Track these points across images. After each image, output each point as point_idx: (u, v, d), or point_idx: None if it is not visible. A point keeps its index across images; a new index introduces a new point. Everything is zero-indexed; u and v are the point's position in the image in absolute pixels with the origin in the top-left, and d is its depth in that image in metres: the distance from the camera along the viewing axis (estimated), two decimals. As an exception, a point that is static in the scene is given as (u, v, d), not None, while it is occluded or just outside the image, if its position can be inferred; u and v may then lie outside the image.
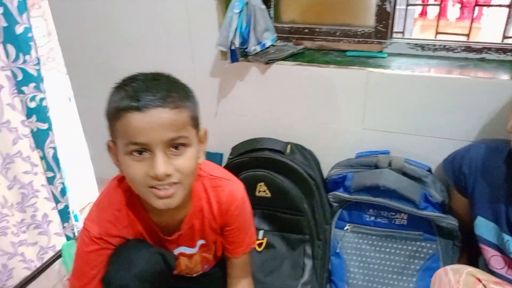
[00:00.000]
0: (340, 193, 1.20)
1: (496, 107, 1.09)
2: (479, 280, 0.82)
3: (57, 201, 1.62)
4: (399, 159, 1.15)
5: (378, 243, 1.18)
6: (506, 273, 1.01)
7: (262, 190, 1.25)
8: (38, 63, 1.44)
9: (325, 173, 1.30)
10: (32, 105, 1.47)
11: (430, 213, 1.10)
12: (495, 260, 1.02)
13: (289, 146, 1.27)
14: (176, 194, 0.80)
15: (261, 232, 1.30)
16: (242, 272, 1.07)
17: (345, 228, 1.22)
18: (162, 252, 0.93)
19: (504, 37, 1.26)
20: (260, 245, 1.30)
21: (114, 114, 0.77)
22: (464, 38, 1.30)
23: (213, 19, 1.24)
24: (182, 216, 0.93)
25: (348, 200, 1.19)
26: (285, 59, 1.25)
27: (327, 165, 1.29)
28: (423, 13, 3.41)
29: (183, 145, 0.79)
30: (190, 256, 1.02)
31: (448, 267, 0.89)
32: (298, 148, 1.29)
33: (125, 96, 0.75)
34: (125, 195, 0.90)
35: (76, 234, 1.71)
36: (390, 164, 1.16)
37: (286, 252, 1.29)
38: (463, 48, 1.23)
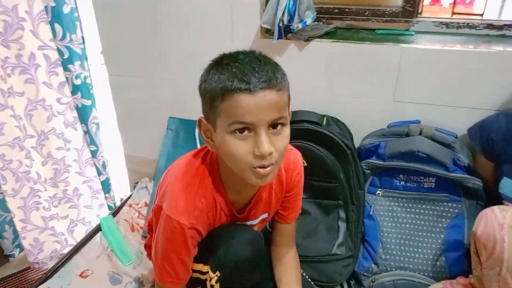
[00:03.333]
0: (373, 161, 1.30)
1: (518, 79, 1.20)
2: None
3: (99, 173, 1.70)
4: (429, 127, 1.26)
5: (408, 205, 1.29)
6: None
7: (300, 160, 1.35)
8: (83, 42, 1.49)
9: (357, 144, 1.40)
10: (77, 82, 1.53)
11: (459, 175, 1.21)
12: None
13: (325, 118, 1.36)
14: (272, 172, 0.82)
15: (296, 200, 1.40)
16: (290, 240, 1.14)
17: (377, 193, 1.32)
18: (259, 234, 1.01)
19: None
20: (295, 211, 1.39)
21: (219, 94, 0.78)
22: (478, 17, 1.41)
23: (255, -1, 1.31)
24: (255, 191, 0.97)
25: (381, 166, 1.29)
26: (321, 36, 1.34)
27: (359, 136, 1.39)
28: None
29: (282, 124, 0.81)
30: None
31: (495, 207, 1.01)
32: (334, 120, 1.39)
33: (231, 76, 0.76)
34: (208, 180, 0.91)
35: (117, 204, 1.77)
36: (421, 133, 1.26)
37: (320, 217, 1.39)
38: (485, 25, 1.34)
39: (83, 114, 1.63)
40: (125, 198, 1.74)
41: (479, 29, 1.35)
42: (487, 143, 1.18)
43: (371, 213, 1.31)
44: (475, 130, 1.23)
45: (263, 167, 0.80)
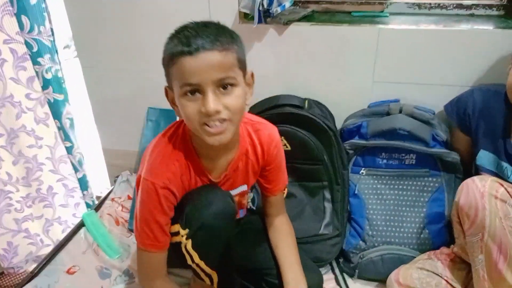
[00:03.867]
0: (356, 141, 1.33)
1: (490, 55, 1.26)
2: (501, 185, 1.00)
3: (76, 170, 1.65)
4: (408, 105, 1.30)
5: (391, 181, 1.33)
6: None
7: (283, 144, 1.36)
8: (52, 34, 1.44)
9: (338, 125, 1.42)
10: (48, 76, 1.47)
11: (438, 150, 1.26)
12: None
13: (306, 101, 1.38)
14: (226, 130, 0.87)
15: (281, 184, 1.42)
16: (280, 209, 1.19)
17: (361, 172, 1.36)
18: (229, 193, 1.02)
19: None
20: (281, 195, 1.41)
21: (169, 60, 0.86)
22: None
23: (232, -17, 1.30)
24: (230, 159, 1.02)
25: (364, 146, 1.32)
26: (299, 20, 1.35)
27: (341, 118, 1.42)
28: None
29: (231, 85, 0.86)
30: None
31: (475, 177, 1.06)
32: (315, 103, 1.41)
33: (178, 43, 0.84)
34: (180, 146, 0.97)
35: (96, 202, 1.73)
36: (400, 111, 1.30)
37: (306, 199, 1.41)
38: (455, 5, 1.39)
39: (56, 109, 1.57)
40: (103, 194, 1.71)
41: (449, 9, 1.40)
42: (463, 118, 1.24)
43: (356, 192, 1.35)
44: (451, 106, 1.28)
45: (214, 125, 0.85)
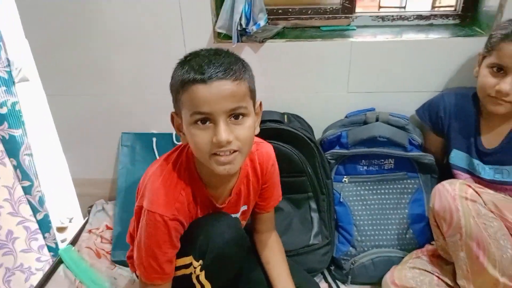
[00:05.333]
0: (337, 150, 1.38)
1: (452, 61, 1.36)
2: (469, 186, 1.09)
3: (36, 211, 1.51)
4: (384, 113, 1.37)
5: (373, 187, 1.39)
6: (476, 191, 1.28)
7: (266, 159, 1.37)
8: (9, 65, 1.34)
9: (317, 137, 1.46)
10: (3, 111, 1.35)
11: (415, 153, 1.33)
12: (468, 181, 1.28)
13: (285, 116, 1.40)
14: (235, 161, 0.86)
15: (267, 199, 1.43)
16: (271, 225, 1.20)
17: (343, 180, 1.40)
18: (237, 219, 1.02)
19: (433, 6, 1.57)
20: (268, 210, 1.42)
21: (180, 87, 0.84)
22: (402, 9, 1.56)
23: (205, 4, 1.30)
24: (232, 184, 1.01)
25: (345, 155, 1.37)
26: (273, 37, 1.38)
27: (319, 129, 1.46)
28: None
29: (243, 115, 0.85)
30: None
31: (444, 182, 1.13)
32: (294, 117, 1.43)
33: (190, 69, 0.82)
34: (185, 174, 0.94)
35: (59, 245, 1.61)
36: (377, 119, 1.36)
37: (293, 211, 1.43)
38: (415, 16, 1.49)
39: (12, 146, 1.40)
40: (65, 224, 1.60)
41: (410, 20, 1.49)
42: (436, 121, 1.32)
43: (341, 200, 1.38)
44: (424, 111, 1.36)
45: (223, 154, 0.84)
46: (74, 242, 1.51)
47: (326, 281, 1.36)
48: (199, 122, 0.83)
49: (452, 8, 1.50)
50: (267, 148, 1.08)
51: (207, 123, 0.83)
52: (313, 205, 1.41)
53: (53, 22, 1.39)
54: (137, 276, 1.18)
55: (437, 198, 1.12)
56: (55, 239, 1.60)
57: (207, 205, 0.99)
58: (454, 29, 1.44)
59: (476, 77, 1.19)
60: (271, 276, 1.11)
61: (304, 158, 1.37)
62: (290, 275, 1.11)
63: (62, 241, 1.68)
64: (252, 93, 0.90)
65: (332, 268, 1.38)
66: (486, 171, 1.24)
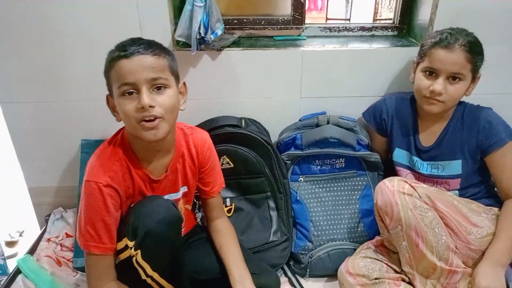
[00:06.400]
0: (293, 152, 1.47)
1: (392, 68, 1.50)
2: (406, 182, 1.21)
3: None
4: (334, 116, 1.48)
5: (326, 185, 1.49)
6: (417, 184, 1.42)
7: (226, 162, 1.44)
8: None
9: (273, 139, 1.54)
10: None
11: (363, 153, 1.45)
12: (409, 176, 1.42)
13: (243, 120, 1.48)
14: (160, 126, 0.98)
15: (228, 200, 1.49)
16: (220, 212, 1.28)
17: (299, 179, 1.49)
18: (171, 201, 1.07)
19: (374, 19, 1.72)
20: (229, 211, 1.47)
21: (108, 67, 0.98)
22: (347, 21, 1.70)
23: (164, 13, 1.35)
24: (168, 161, 1.11)
25: (300, 155, 1.46)
26: (229, 46, 1.45)
27: (275, 132, 1.55)
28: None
29: (164, 86, 0.98)
30: (176, 201, 1.16)
31: (385, 180, 1.24)
32: (251, 121, 1.51)
33: (115, 49, 0.97)
34: (120, 149, 1.05)
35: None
36: (328, 122, 1.47)
37: (252, 211, 1.50)
38: (359, 28, 1.63)
39: None
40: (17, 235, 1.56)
41: (354, 31, 1.63)
42: (380, 123, 1.45)
43: (298, 198, 1.47)
44: (369, 114, 1.49)
45: (149, 120, 0.95)
46: (31, 251, 1.48)
47: (286, 275, 1.43)
48: (126, 94, 0.96)
49: (391, 21, 1.66)
50: (202, 134, 1.20)
51: (134, 94, 0.96)
52: (272, 204, 1.49)
53: (1, 26, 1.37)
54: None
55: (379, 195, 1.23)
56: (3, 255, 1.52)
57: (143, 178, 1.07)
58: (393, 40, 1.59)
59: (413, 82, 1.33)
60: (224, 259, 1.16)
61: (261, 159, 1.45)
62: (242, 257, 1.17)
63: (13, 256, 1.62)
64: (173, 70, 1.03)
65: (291, 263, 1.46)
66: (424, 167, 1.38)
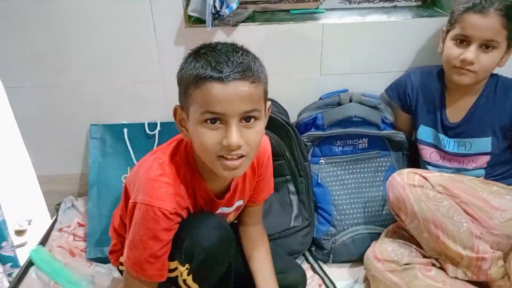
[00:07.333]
0: (314, 132, 1.39)
1: (420, 41, 1.40)
2: (415, 173, 1.15)
3: None
4: (357, 94, 1.39)
5: (349, 167, 1.42)
6: (442, 163, 1.35)
7: (243, 145, 1.36)
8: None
9: (292, 120, 1.46)
10: None
11: (388, 131, 1.38)
12: (434, 155, 1.35)
13: (261, 100, 1.40)
14: (241, 166, 0.83)
15: (246, 185, 1.42)
16: (258, 218, 1.16)
17: (320, 161, 1.42)
18: (223, 217, 0.98)
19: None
20: (248, 196, 1.41)
21: (193, 82, 0.78)
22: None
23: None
24: (230, 180, 0.98)
25: (321, 136, 1.39)
26: (245, 21, 1.36)
27: (294, 112, 1.47)
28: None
29: (255, 118, 0.81)
30: (226, 215, 1.06)
31: (394, 173, 1.20)
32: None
33: (205, 64, 0.77)
34: (184, 168, 0.91)
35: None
36: (351, 100, 1.39)
37: (272, 195, 1.41)
38: (380, -1, 1.53)
39: None
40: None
41: (375, 2, 1.53)
42: (404, 99, 1.37)
43: (319, 181, 1.40)
44: (392, 90, 1.40)
45: (231, 159, 0.81)
46: (43, 242, 1.42)
47: (308, 262, 1.37)
48: (208, 121, 0.79)
49: (414, -10, 1.56)
50: (263, 140, 1.04)
51: (217, 123, 0.79)
52: (292, 187, 1.42)
53: (4, 8, 1.29)
54: (120, 272, 1.14)
55: (390, 191, 1.17)
56: (13, 246, 1.44)
57: (206, 200, 0.96)
58: (417, 11, 1.49)
59: (441, 53, 1.24)
60: (253, 271, 1.09)
61: (281, 141, 1.37)
62: (273, 272, 1.08)
63: (22, 245, 1.58)
64: (266, 95, 0.87)
65: (313, 248, 1.40)
66: (450, 144, 1.30)
